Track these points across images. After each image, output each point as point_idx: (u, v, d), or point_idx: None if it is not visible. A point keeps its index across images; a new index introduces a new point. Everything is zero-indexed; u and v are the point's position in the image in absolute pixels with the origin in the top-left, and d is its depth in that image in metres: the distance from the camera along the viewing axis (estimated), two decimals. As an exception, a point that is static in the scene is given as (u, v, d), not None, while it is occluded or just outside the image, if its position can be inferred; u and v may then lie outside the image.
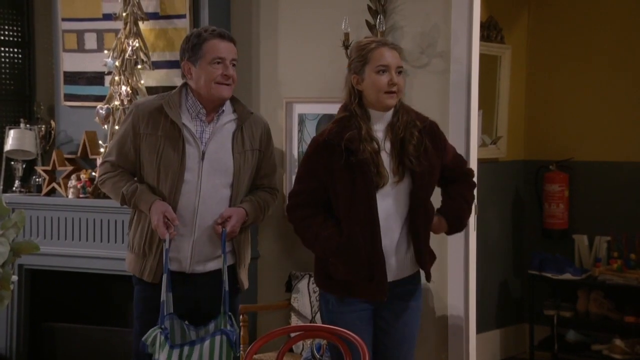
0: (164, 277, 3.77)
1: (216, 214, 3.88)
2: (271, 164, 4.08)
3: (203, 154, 3.85)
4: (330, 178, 3.71)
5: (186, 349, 3.75)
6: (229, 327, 3.81)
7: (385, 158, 3.72)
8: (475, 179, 4.04)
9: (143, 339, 3.72)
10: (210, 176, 3.86)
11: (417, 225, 3.75)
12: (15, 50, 6.24)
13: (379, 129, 3.76)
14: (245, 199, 3.97)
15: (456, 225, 3.94)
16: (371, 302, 3.78)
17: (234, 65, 3.90)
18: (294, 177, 5.40)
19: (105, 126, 5.51)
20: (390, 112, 3.78)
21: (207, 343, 3.76)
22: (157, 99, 3.96)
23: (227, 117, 3.93)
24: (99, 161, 5.48)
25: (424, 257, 3.80)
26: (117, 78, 5.44)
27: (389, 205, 3.72)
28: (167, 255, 3.78)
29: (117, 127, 5.34)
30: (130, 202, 3.87)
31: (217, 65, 3.84)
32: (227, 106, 3.94)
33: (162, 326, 3.72)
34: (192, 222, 3.86)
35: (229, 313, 3.85)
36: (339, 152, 3.68)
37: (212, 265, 3.92)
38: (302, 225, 3.78)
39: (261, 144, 4.00)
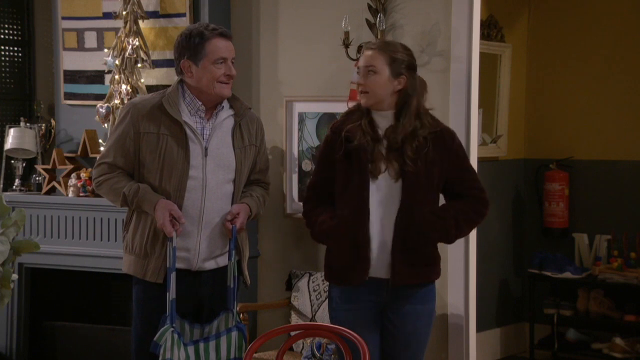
0: (172, 275, 3.77)
1: (221, 210, 3.89)
2: (265, 159, 4.11)
3: (206, 150, 3.86)
4: (332, 169, 3.80)
5: (201, 345, 3.79)
6: (237, 322, 3.87)
7: (385, 153, 3.75)
8: (486, 209, 3.85)
9: (155, 339, 3.70)
10: (214, 172, 3.87)
11: (402, 228, 3.73)
12: (15, 49, 6.23)
13: (381, 126, 3.79)
14: (245, 194, 3.98)
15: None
16: (375, 297, 3.78)
17: (233, 63, 3.90)
18: (294, 176, 5.47)
19: (106, 125, 5.51)
20: (391, 113, 3.80)
21: (223, 339, 3.80)
22: (155, 96, 3.94)
23: (225, 113, 3.94)
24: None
25: (397, 263, 3.74)
26: (117, 77, 5.44)
27: (384, 199, 3.73)
28: (174, 254, 3.78)
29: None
30: (133, 202, 3.84)
31: (220, 65, 3.83)
32: (224, 102, 3.95)
33: (173, 325, 3.73)
34: (199, 219, 3.86)
35: (235, 309, 3.87)
36: (339, 142, 3.76)
37: (220, 262, 3.93)
38: (307, 217, 3.88)
39: (257, 139, 4.02)
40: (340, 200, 3.77)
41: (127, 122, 3.89)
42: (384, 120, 3.79)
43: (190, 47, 3.85)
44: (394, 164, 3.73)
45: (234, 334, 3.85)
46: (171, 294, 3.75)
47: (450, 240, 3.86)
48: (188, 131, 3.85)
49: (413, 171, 3.72)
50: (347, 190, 3.74)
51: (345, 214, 3.74)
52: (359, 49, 5.12)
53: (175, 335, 3.71)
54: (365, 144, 3.72)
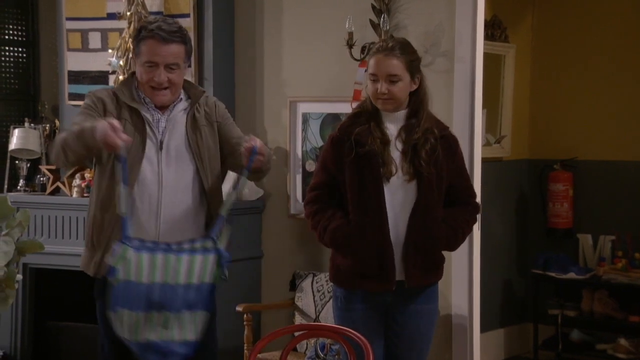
0: (122, 189, 3.41)
1: (181, 203, 3.67)
2: (237, 129, 3.85)
3: (160, 144, 3.67)
4: (340, 171, 3.75)
5: (173, 257, 3.48)
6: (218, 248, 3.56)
7: (396, 155, 3.74)
8: (478, 215, 3.96)
9: (111, 262, 3.40)
10: (170, 166, 3.67)
11: (415, 229, 3.73)
12: (20, 49, 6.25)
13: (390, 127, 3.77)
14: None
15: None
16: (380, 298, 3.77)
17: (173, 69, 3.62)
18: (298, 177, 5.47)
19: (109, 125, 5.50)
20: (403, 113, 3.78)
21: (199, 257, 3.50)
22: (113, 88, 3.79)
23: (182, 105, 3.74)
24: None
25: (410, 265, 3.74)
26: (121, 77, 5.45)
27: (398, 201, 3.73)
28: (125, 168, 3.43)
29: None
30: (80, 139, 3.45)
31: (149, 68, 3.62)
32: (182, 94, 3.74)
33: (126, 241, 3.45)
34: (157, 214, 3.66)
35: (218, 238, 3.57)
36: (348, 146, 3.72)
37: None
38: (314, 220, 3.82)
39: (216, 115, 3.79)
40: (355, 206, 3.72)
41: (89, 101, 3.69)
42: (395, 121, 3.78)
43: (134, 40, 3.70)
44: (407, 165, 3.73)
45: (212, 257, 3.53)
46: (121, 207, 3.43)
47: (453, 249, 3.93)
48: (146, 125, 3.66)
49: (427, 173, 3.72)
50: (363, 196, 3.70)
51: (364, 220, 3.69)
52: (363, 49, 5.12)
53: (133, 251, 3.43)
54: (376, 149, 3.70)
